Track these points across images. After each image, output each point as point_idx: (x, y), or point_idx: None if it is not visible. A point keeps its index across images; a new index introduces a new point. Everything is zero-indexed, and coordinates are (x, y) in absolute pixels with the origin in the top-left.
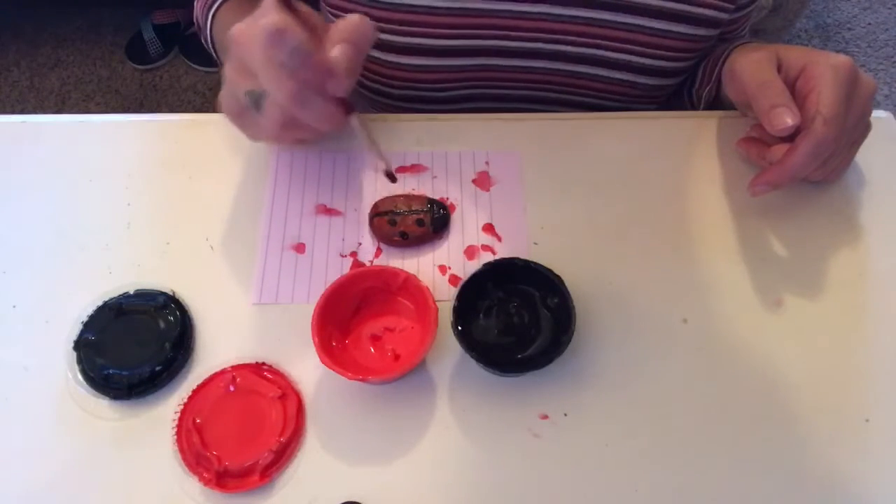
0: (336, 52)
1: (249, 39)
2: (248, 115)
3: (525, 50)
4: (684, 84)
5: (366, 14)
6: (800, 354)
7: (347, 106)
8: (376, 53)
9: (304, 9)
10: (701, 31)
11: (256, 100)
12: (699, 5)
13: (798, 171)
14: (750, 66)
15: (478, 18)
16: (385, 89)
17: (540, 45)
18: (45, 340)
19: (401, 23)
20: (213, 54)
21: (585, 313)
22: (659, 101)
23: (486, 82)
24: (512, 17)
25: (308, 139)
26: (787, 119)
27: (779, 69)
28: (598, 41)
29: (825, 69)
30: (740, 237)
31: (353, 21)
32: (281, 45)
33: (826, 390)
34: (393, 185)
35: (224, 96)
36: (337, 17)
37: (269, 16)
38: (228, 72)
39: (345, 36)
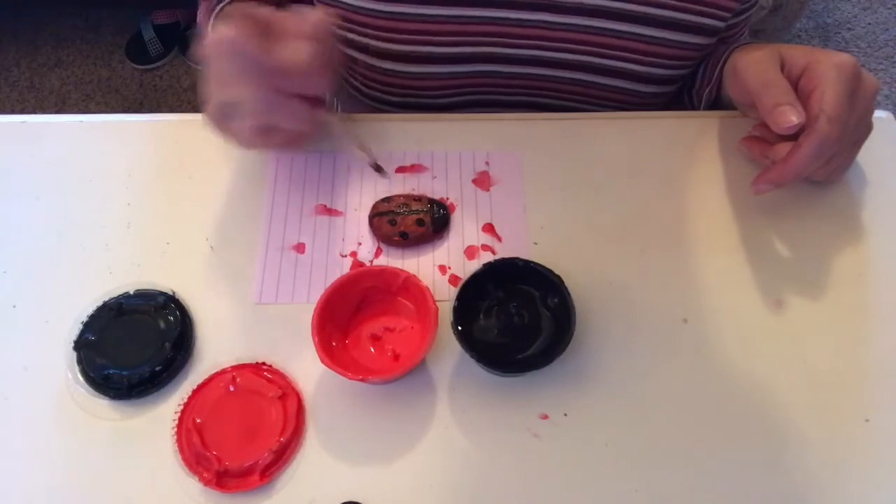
0: (289, 51)
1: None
2: (226, 123)
3: (523, 57)
4: (684, 85)
5: (366, 23)
6: (800, 354)
7: (322, 103)
8: (375, 61)
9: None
10: (698, 40)
11: (230, 108)
12: (696, 14)
13: (801, 169)
14: (753, 66)
15: (476, 26)
16: (384, 97)
17: (538, 52)
18: (45, 340)
19: (400, 31)
20: None
21: (585, 313)
22: (658, 107)
23: (485, 89)
24: (510, 24)
25: (294, 144)
26: (792, 117)
27: (781, 68)
28: (595, 49)
29: (828, 68)
30: (740, 237)
31: (308, 17)
32: (235, 55)
33: (826, 390)
34: (391, 183)
35: (206, 106)
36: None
37: (224, 27)
38: (208, 82)
39: (300, 33)
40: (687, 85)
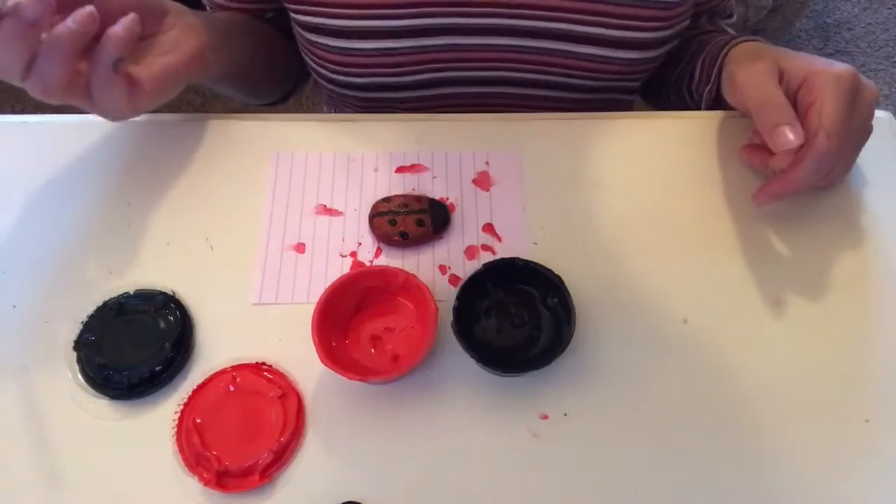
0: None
1: None
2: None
3: (485, 27)
4: (682, 80)
5: (316, 0)
6: (800, 354)
7: None
8: (332, 41)
9: None
10: None
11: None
12: None
13: (801, 184)
14: (751, 80)
15: None
16: (347, 79)
17: (500, 20)
18: (45, 340)
19: (355, 6)
20: None
21: (585, 313)
22: (640, 76)
23: (450, 64)
24: None
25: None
26: (791, 137)
27: (780, 79)
28: (562, 14)
29: (827, 80)
30: (740, 237)
31: None
32: None
33: (826, 390)
34: (394, 185)
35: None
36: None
37: None
38: None
39: None
40: (686, 79)
